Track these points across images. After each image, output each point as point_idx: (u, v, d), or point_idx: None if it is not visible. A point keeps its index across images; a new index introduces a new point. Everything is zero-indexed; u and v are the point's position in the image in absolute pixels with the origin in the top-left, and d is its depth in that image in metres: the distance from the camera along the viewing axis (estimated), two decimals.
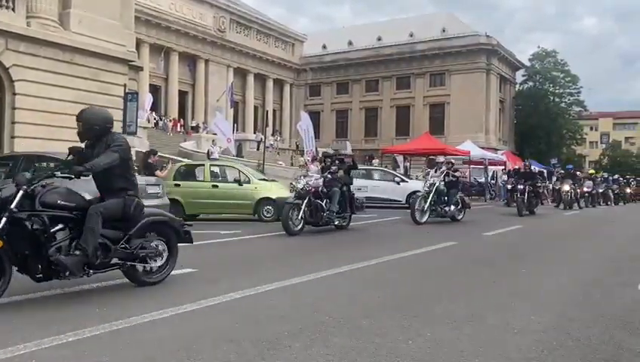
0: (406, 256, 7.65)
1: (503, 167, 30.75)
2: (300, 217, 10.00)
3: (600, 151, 77.48)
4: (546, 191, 25.42)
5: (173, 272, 6.04)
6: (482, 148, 35.93)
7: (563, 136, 59.86)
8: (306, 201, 10.05)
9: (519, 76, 59.55)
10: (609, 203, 27.31)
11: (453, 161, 14.41)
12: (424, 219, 12.67)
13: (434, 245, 8.90)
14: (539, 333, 3.87)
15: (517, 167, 19.23)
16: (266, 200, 13.79)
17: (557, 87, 58.17)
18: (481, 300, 4.91)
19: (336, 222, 10.96)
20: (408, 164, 31.67)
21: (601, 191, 26.24)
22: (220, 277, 5.88)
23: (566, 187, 21.06)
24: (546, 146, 55.41)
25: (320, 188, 10.41)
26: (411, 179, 23.75)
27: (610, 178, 31.29)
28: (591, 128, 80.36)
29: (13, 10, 15.44)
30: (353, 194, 11.96)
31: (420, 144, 30.15)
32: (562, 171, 25.92)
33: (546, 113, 56.01)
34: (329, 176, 10.75)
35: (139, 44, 34.53)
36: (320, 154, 20.70)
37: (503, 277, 6.14)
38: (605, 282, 6.01)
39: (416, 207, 12.63)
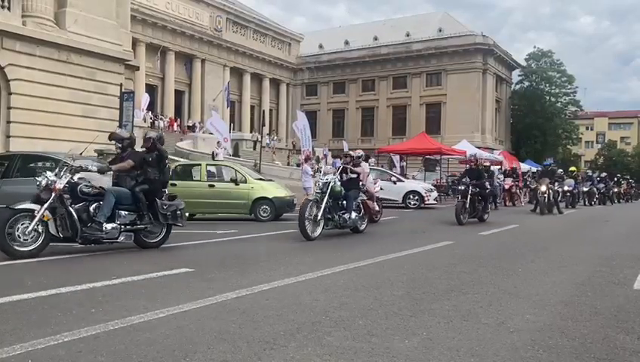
0: (402, 256, 7.66)
1: (500, 167, 30.82)
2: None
3: (596, 150, 77.79)
4: (518, 191, 24.43)
5: (169, 272, 6.04)
6: (478, 147, 36.04)
7: (559, 136, 60.05)
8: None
9: (515, 76, 59.76)
10: (593, 203, 25.42)
11: (353, 153, 11.24)
12: (317, 233, 9.60)
13: (430, 244, 8.92)
14: (534, 332, 3.89)
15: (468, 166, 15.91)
16: (263, 200, 13.80)
17: (553, 87, 58.35)
18: (476, 299, 4.93)
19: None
20: (405, 163, 31.72)
21: (585, 190, 24.56)
22: (216, 277, 5.88)
23: (543, 187, 17.27)
24: (541, 146, 55.60)
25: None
26: (408, 178, 23.82)
27: (595, 176, 29.23)
28: (587, 128, 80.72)
29: (8, 9, 15.40)
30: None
31: (416, 144, 30.21)
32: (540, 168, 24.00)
33: (542, 113, 56.18)
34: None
35: (135, 43, 34.44)
36: (322, 154, 20.70)
37: (498, 276, 6.15)
38: (600, 281, 6.03)
39: (306, 215, 9.40)
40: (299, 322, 4.03)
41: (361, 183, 11.27)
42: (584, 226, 14.43)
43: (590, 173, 29.38)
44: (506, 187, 22.87)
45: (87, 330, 3.73)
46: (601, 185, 27.79)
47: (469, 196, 13.22)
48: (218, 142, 26.25)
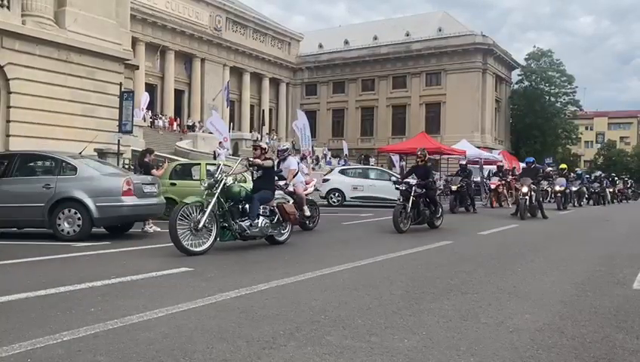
0: (401, 255, 7.67)
1: (495, 167, 30.73)
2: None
3: (595, 150, 77.82)
4: (505, 191, 21.72)
5: (168, 271, 6.04)
6: (478, 147, 36.04)
7: (558, 136, 60.12)
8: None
9: (515, 76, 59.80)
10: (582, 203, 24.08)
11: (263, 144, 9.28)
12: (204, 246, 7.49)
13: (429, 244, 8.92)
14: (533, 332, 3.89)
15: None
16: None
17: (552, 87, 58.41)
18: (475, 299, 4.92)
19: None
20: (404, 163, 31.72)
21: (575, 189, 22.76)
22: (215, 276, 5.88)
23: (524, 188, 15.03)
24: (541, 146, 55.64)
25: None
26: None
27: (585, 175, 27.77)
28: (586, 128, 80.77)
29: (8, 8, 15.39)
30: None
31: (415, 143, 30.08)
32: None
33: (542, 112, 56.24)
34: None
35: (135, 42, 34.47)
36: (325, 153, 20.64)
37: (497, 275, 6.15)
38: (599, 281, 6.03)
39: (177, 224, 7.20)
40: (298, 321, 4.03)
41: (283, 183, 10.29)
42: (584, 226, 14.42)
43: (580, 172, 27.00)
44: (492, 187, 21.61)
45: (86, 329, 3.72)
46: (596, 185, 26.56)
47: (411, 198, 10.99)
48: (220, 143, 26.25)
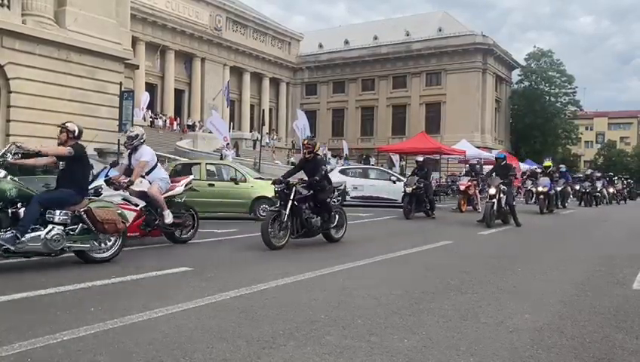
0: (401, 255, 7.67)
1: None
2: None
3: (595, 150, 77.79)
4: (477, 193, 18.60)
5: (168, 271, 6.04)
6: (478, 147, 36.07)
7: (558, 136, 60.09)
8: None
9: (515, 76, 59.77)
10: (566, 204, 21.47)
11: (72, 126, 6.63)
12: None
13: (429, 244, 8.92)
14: (533, 332, 3.89)
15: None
16: (262, 199, 13.77)
17: (553, 87, 58.36)
18: (475, 299, 4.93)
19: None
20: (404, 163, 31.75)
21: (559, 189, 20.03)
22: (215, 276, 5.88)
23: (492, 190, 12.71)
24: (541, 146, 55.58)
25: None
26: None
27: (568, 172, 24.76)
28: (586, 128, 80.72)
29: (8, 7, 15.40)
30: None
31: (415, 143, 30.20)
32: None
33: (542, 113, 56.20)
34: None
35: (135, 42, 34.42)
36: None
37: (497, 275, 6.16)
38: (599, 281, 6.04)
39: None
40: (298, 321, 4.04)
41: (127, 180, 8.01)
42: (584, 226, 14.42)
43: (563, 169, 23.40)
44: (462, 188, 18.35)
45: (86, 329, 3.73)
46: (587, 184, 23.95)
47: (290, 202, 8.25)
48: (227, 144, 26.22)
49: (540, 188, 17.68)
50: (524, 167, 34.06)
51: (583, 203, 23.46)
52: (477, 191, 18.58)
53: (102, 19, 17.52)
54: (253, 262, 6.97)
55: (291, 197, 8.29)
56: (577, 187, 24.88)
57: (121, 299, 4.68)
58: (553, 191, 18.33)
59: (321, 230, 8.92)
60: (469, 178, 18.86)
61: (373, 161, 45.52)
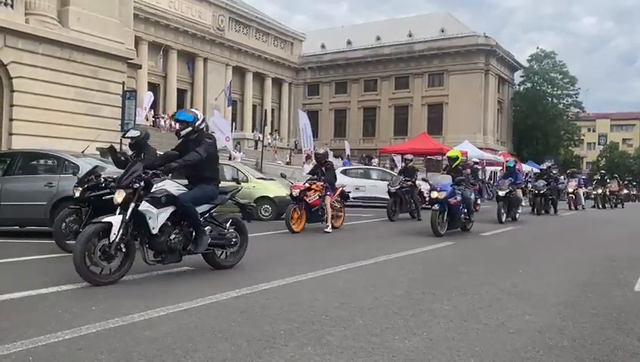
0: (402, 256, 7.67)
1: (501, 168, 30.82)
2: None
3: (597, 152, 77.67)
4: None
5: (169, 271, 6.05)
6: (480, 148, 36.03)
7: (561, 137, 60.02)
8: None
9: (517, 77, 59.67)
10: (517, 214, 14.88)
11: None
12: None
13: (430, 245, 8.92)
14: (534, 333, 3.89)
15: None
16: (264, 199, 13.79)
17: (555, 89, 58.25)
18: (476, 300, 4.93)
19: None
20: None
21: (501, 194, 14.10)
22: (215, 276, 5.89)
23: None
24: (543, 147, 55.53)
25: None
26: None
27: (518, 169, 17.74)
28: (588, 129, 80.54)
29: (11, 6, 15.42)
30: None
31: (417, 144, 30.25)
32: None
33: (544, 114, 56.13)
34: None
35: (137, 41, 34.45)
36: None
37: (498, 276, 6.15)
38: (600, 282, 6.03)
39: None
40: (299, 321, 4.04)
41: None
42: (584, 227, 14.40)
43: (511, 164, 16.57)
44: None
45: (87, 328, 3.74)
46: (541, 183, 18.14)
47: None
48: (236, 145, 26.11)
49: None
50: (526, 168, 34.05)
51: (535, 209, 17.94)
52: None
53: (105, 19, 17.54)
54: (254, 262, 6.97)
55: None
56: (530, 186, 18.99)
57: (122, 298, 4.69)
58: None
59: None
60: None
61: (375, 161, 45.50)
